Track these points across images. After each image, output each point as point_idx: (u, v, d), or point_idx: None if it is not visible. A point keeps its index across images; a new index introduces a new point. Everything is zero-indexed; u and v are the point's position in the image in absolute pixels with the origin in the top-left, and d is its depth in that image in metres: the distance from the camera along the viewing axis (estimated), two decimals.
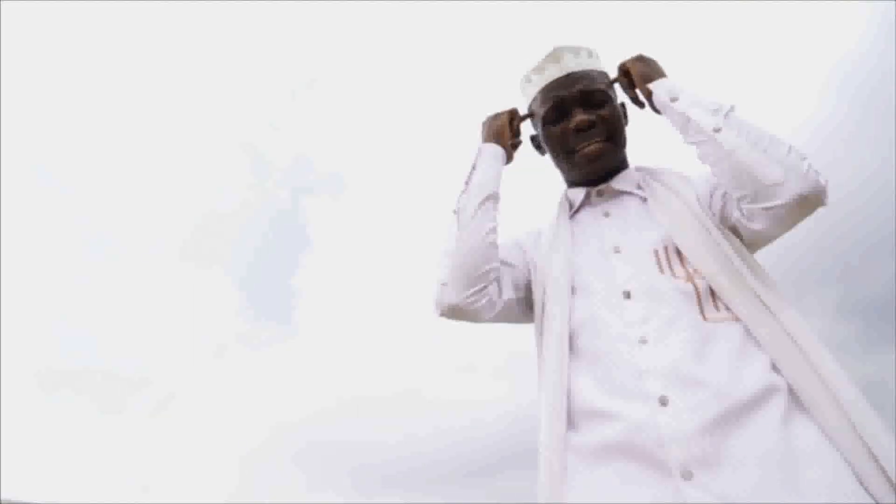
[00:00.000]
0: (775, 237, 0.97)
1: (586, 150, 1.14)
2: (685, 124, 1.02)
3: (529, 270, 1.17)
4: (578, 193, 1.19)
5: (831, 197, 0.90)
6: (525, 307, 1.16)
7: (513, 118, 1.29)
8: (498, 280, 1.12)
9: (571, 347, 0.96)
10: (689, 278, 0.94)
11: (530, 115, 1.27)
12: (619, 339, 0.91)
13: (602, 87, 1.17)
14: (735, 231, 0.99)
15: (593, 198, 1.17)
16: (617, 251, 1.04)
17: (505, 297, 1.12)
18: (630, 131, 1.23)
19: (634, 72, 1.15)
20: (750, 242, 0.99)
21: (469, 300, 1.07)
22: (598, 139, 1.13)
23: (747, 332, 0.87)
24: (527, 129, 1.33)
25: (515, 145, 1.30)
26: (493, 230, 1.14)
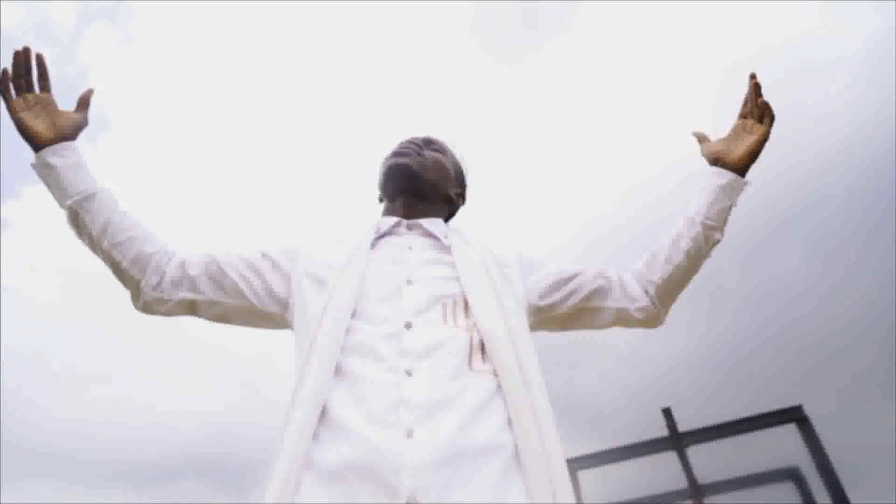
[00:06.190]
0: (610, 325, 1.26)
1: (395, 159, 1.29)
2: (724, 220, 1.26)
3: (277, 283, 1.16)
4: (389, 221, 1.23)
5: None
6: (246, 312, 1.18)
7: (4, 79, 1.15)
8: (162, 276, 1.15)
9: (339, 368, 0.96)
10: (468, 330, 1.01)
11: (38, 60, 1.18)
12: (387, 368, 0.93)
13: (446, 149, 1.38)
14: (563, 306, 1.21)
15: (402, 229, 1.23)
16: (410, 283, 1.07)
17: (181, 295, 1.15)
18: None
19: (768, 130, 1.28)
20: (594, 324, 1.24)
21: (137, 300, 1.16)
22: (410, 160, 1.28)
23: (499, 386, 0.94)
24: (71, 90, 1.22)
25: (32, 129, 1.14)
26: (103, 232, 1.13)
